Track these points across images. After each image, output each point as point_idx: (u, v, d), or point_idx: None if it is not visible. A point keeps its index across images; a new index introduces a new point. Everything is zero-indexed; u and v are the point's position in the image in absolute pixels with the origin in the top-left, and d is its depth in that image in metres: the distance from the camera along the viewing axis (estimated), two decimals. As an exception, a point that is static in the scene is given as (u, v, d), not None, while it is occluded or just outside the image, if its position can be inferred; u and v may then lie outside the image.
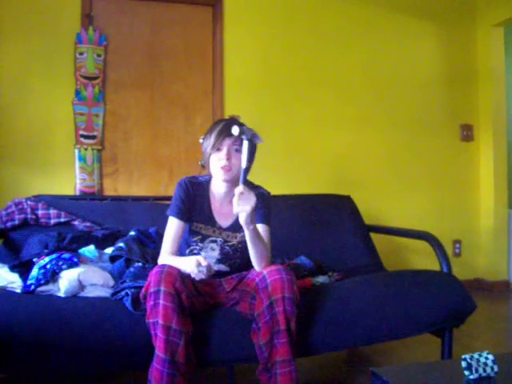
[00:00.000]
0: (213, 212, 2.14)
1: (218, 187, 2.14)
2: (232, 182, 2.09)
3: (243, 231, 2.07)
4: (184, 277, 1.88)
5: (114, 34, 3.75)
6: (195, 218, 2.12)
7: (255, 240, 1.96)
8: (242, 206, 1.84)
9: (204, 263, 1.85)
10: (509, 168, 4.74)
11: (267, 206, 2.14)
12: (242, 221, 1.87)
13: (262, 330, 1.87)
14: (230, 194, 2.11)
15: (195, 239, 2.14)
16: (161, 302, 1.77)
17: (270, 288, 1.87)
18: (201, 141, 2.17)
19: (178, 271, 1.87)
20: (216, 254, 2.14)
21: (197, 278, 1.85)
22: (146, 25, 3.86)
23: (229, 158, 2.03)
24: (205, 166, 2.14)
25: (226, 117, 3.86)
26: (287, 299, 1.85)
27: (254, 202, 1.84)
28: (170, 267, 1.87)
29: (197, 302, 1.98)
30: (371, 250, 3.13)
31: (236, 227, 2.14)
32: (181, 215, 2.07)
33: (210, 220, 2.14)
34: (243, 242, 2.13)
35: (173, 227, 2.07)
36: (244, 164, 1.89)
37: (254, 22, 4.06)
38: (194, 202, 2.11)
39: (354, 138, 4.30)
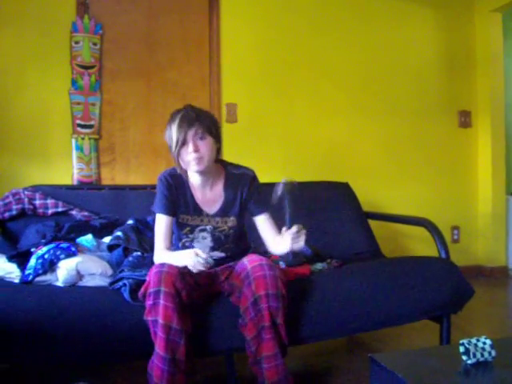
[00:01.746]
0: (196, 201, 2.12)
1: (194, 178, 2.11)
2: (206, 171, 2.06)
3: (233, 215, 2.13)
4: (184, 273, 1.88)
5: (109, 23, 3.71)
6: (180, 210, 2.11)
7: None
8: (297, 244, 1.93)
9: (203, 255, 1.86)
10: (507, 154, 4.73)
11: (258, 189, 2.16)
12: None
13: (248, 325, 1.89)
14: (208, 181, 2.11)
15: (185, 231, 2.13)
16: (161, 301, 1.78)
17: (253, 285, 1.87)
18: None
19: (178, 270, 1.86)
20: (208, 241, 2.14)
21: (194, 270, 1.86)
22: (142, 13, 3.83)
23: (197, 150, 1.98)
24: (177, 164, 2.07)
25: (225, 104, 3.85)
26: (271, 296, 1.86)
27: (304, 240, 1.94)
28: (170, 266, 1.87)
29: (196, 295, 1.97)
30: (369, 237, 3.14)
31: (225, 212, 2.13)
32: (167, 210, 2.07)
33: (196, 209, 2.12)
34: (235, 227, 2.15)
35: (162, 223, 2.07)
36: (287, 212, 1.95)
37: (251, 10, 4.03)
38: (176, 195, 2.10)
39: (351, 125, 4.28)
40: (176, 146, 1.98)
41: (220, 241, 2.15)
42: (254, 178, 2.16)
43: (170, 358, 1.77)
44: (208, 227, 2.13)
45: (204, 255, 1.86)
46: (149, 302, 1.80)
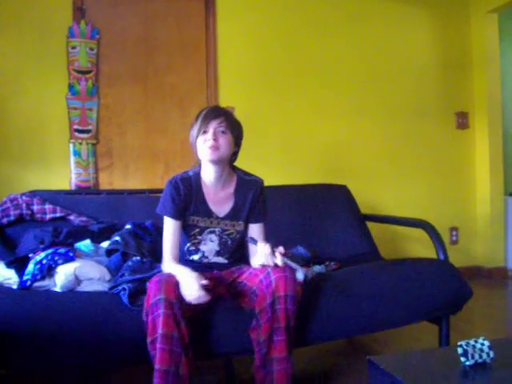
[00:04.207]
0: (207, 202, 2.11)
1: (208, 174, 2.11)
2: (220, 165, 2.08)
3: (241, 220, 2.13)
4: None
5: (106, 28, 3.71)
6: (190, 211, 2.10)
7: None
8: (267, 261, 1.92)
9: (205, 282, 1.83)
10: (504, 155, 4.73)
11: (263, 198, 2.18)
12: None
13: (262, 326, 1.87)
14: (221, 178, 2.12)
15: (193, 233, 2.12)
16: (161, 311, 1.74)
17: (273, 285, 1.86)
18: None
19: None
20: (215, 245, 2.13)
21: (193, 302, 1.81)
22: (138, 17, 3.83)
23: (215, 139, 2.02)
24: (195, 153, 2.13)
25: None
26: (289, 297, 1.86)
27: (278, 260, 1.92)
28: (169, 275, 1.86)
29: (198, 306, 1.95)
30: (368, 239, 3.14)
31: (234, 215, 2.13)
32: (175, 214, 2.05)
33: (206, 211, 2.11)
34: (241, 232, 2.15)
35: (170, 227, 2.06)
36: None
37: (247, 14, 4.03)
38: (187, 198, 2.08)
39: (349, 127, 4.28)
40: (197, 133, 2.05)
41: (226, 245, 2.14)
42: (263, 186, 2.19)
43: (173, 372, 1.72)
44: (217, 229, 2.12)
45: (206, 282, 1.83)
46: (150, 318, 1.76)
